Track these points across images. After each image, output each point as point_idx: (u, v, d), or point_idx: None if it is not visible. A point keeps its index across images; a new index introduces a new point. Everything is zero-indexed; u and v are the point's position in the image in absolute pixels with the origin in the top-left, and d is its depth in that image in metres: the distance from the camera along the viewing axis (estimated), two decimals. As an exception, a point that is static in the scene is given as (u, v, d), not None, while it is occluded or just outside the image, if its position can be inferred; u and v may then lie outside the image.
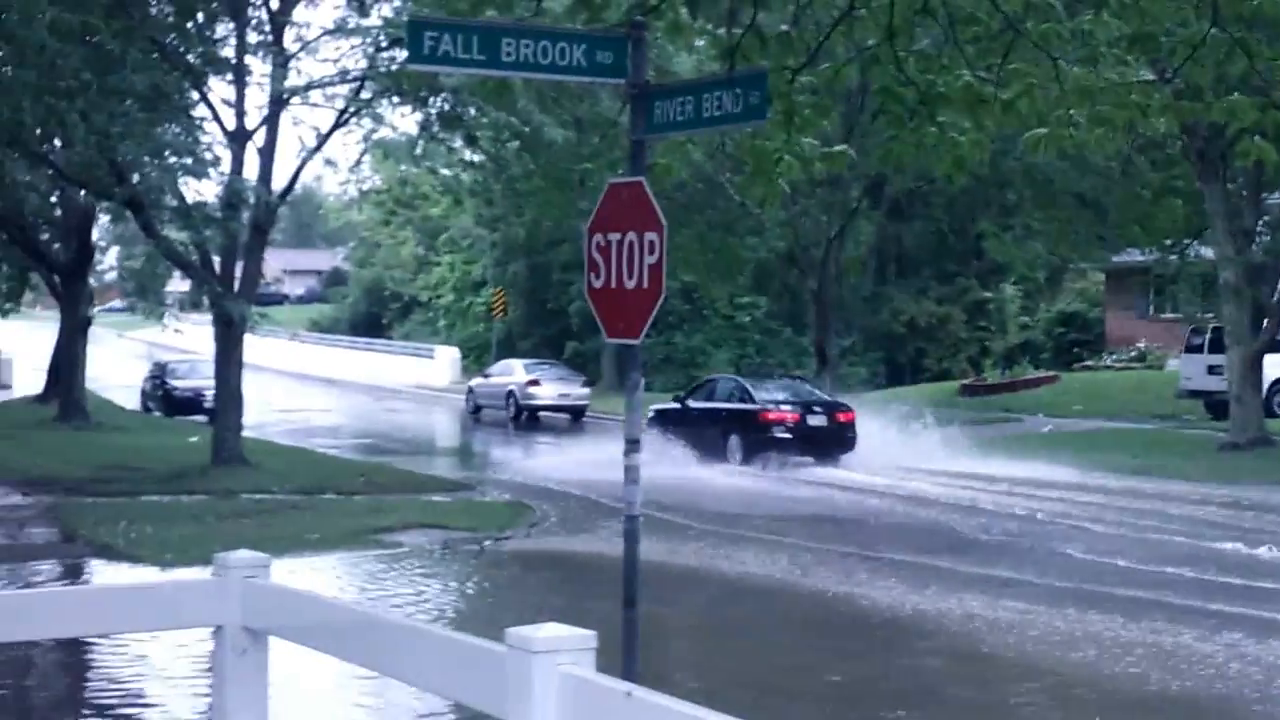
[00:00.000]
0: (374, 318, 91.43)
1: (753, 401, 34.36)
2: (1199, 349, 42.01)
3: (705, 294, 61.31)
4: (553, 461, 34.40)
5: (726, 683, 12.70)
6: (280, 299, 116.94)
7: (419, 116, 30.86)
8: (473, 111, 30.68)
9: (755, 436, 33.37)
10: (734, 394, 35.52)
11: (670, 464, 30.50)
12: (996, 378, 54.45)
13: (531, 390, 48.22)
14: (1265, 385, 36.05)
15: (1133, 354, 56.02)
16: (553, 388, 48.69)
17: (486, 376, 52.24)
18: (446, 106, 30.18)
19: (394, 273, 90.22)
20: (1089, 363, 57.37)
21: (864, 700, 12.26)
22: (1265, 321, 34.42)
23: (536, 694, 3.88)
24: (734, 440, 33.68)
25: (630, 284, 9.68)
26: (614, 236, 9.75)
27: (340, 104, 30.02)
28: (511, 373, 50.17)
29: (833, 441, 33.38)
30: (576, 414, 48.12)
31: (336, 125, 30.07)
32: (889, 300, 63.55)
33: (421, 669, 4.60)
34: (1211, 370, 39.78)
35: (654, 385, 59.46)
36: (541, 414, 48.18)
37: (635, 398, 10.07)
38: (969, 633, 14.70)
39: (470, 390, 52.41)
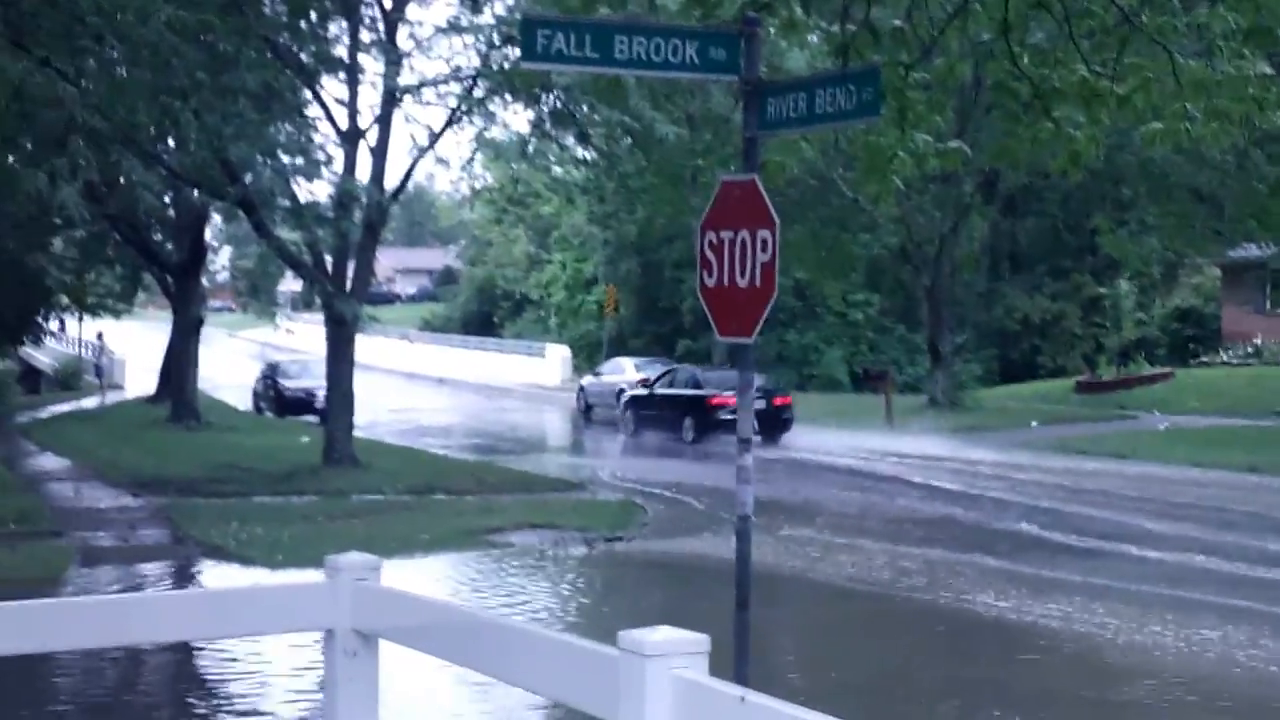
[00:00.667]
0: (485, 316, 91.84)
1: (701, 388, 39.57)
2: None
3: (818, 291, 61.10)
4: (664, 460, 34.34)
5: (834, 684, 12.63)
6: (392, 298, 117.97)
7: (531, 114, 30.97)
8: (585, 109, 30.74)
9: (704, 418, 38.60)
10: (689, 382, 40.88)
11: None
12: (1111, 374, 53.81)
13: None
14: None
15: (1249, 350, 55.18)
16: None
17: (597, 375, 52.23)
18: (559, 104, 30.25)
19: (505, 271, 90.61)
20: (1205, 359, 56.58)
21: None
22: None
23: (649, 698, 3.85)
24: (687, 421, 39.09)
25: (743, 282, 9.61)
26: (726, 234, 9.69)
27: (452, 102, 30.18)
28: (623, 371, 50.13)
29: (772, 423, 37.92)
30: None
31: (448, 124, 30.24)
32: (1002, 297, 63.03)
33: (532, 672, 4.58)
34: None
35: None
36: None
37: (748, 397, 10.01)
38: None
39: (581, 389, 52.39)
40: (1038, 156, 11.11)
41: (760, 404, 34.90)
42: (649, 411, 41.44)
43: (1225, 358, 55.59)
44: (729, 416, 34.19)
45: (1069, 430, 39.53)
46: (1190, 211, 41.59)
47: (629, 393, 43.77)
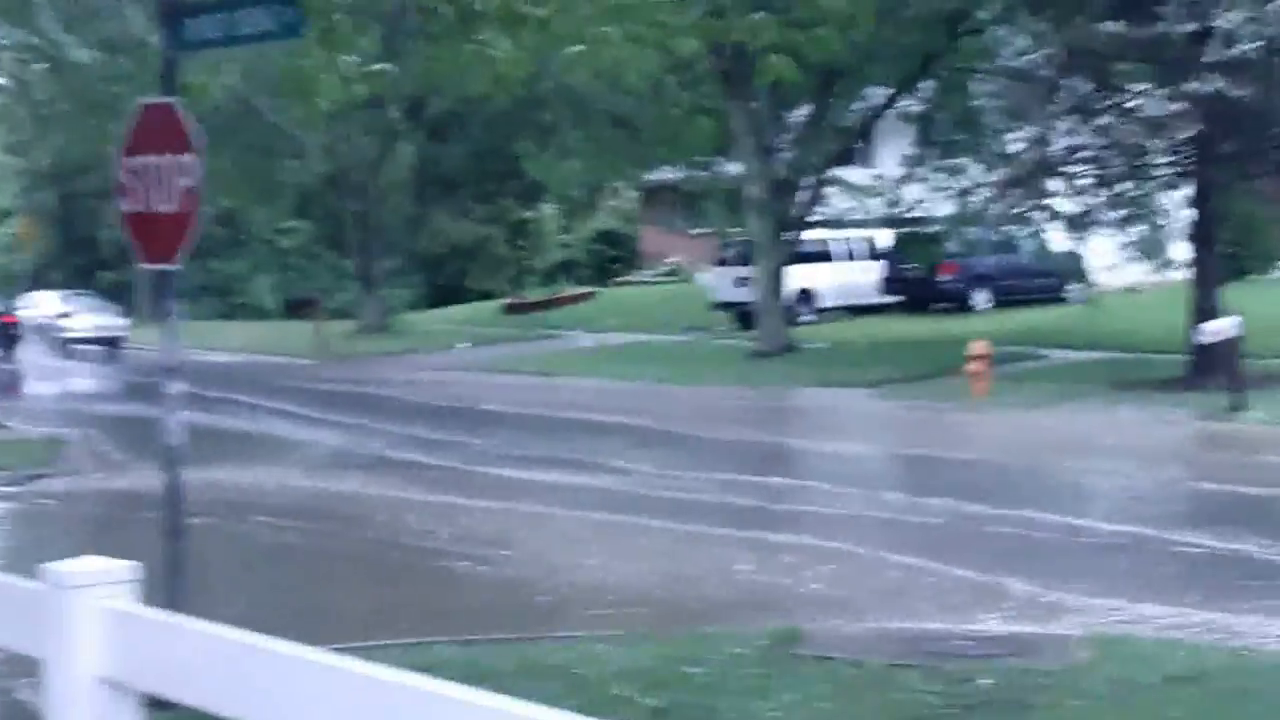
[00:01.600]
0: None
1: None
2: (728, 262, 43.54)
3: (245, 219, 60.14)
4: (88, 393, 33.33)
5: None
6: None
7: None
8: (-9, 33, 29.28)
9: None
10: None
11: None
12: (537, 296, 55.20)
13: (65, 322, 46.50)
14: (788, 295, 37.64)
15: (667, 269, 57.59)
16: (88, 319, 47.07)
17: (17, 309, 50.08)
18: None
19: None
20: (626, 278, 58.72)
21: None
22: (787, 234, 35.85)
23: (77, 630, 3.74)
24: None
25: (165, 208, 9.43)
26: (147, 159, 9.47)
27: None
28: (44, 305, 48.20)
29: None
30: (113, 344, 46.59)
31: None
32: (430, 222, 63.60)
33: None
34: (739, 282, 41.27)
35: (191, 313, 58.11)
36: (77, 346, 46.46)
37: (172, 324, 9.85)
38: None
39: (-1, 324, 50.15)
40: (463, 79, 11.27)
41: None
42: None
43: (645, 277, 57.85)
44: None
45: (497, 350, 40.45)
46: (610, 136, 42.92)
47: None
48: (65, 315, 46.64)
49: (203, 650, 3.62)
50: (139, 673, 3.76)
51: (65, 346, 46.08)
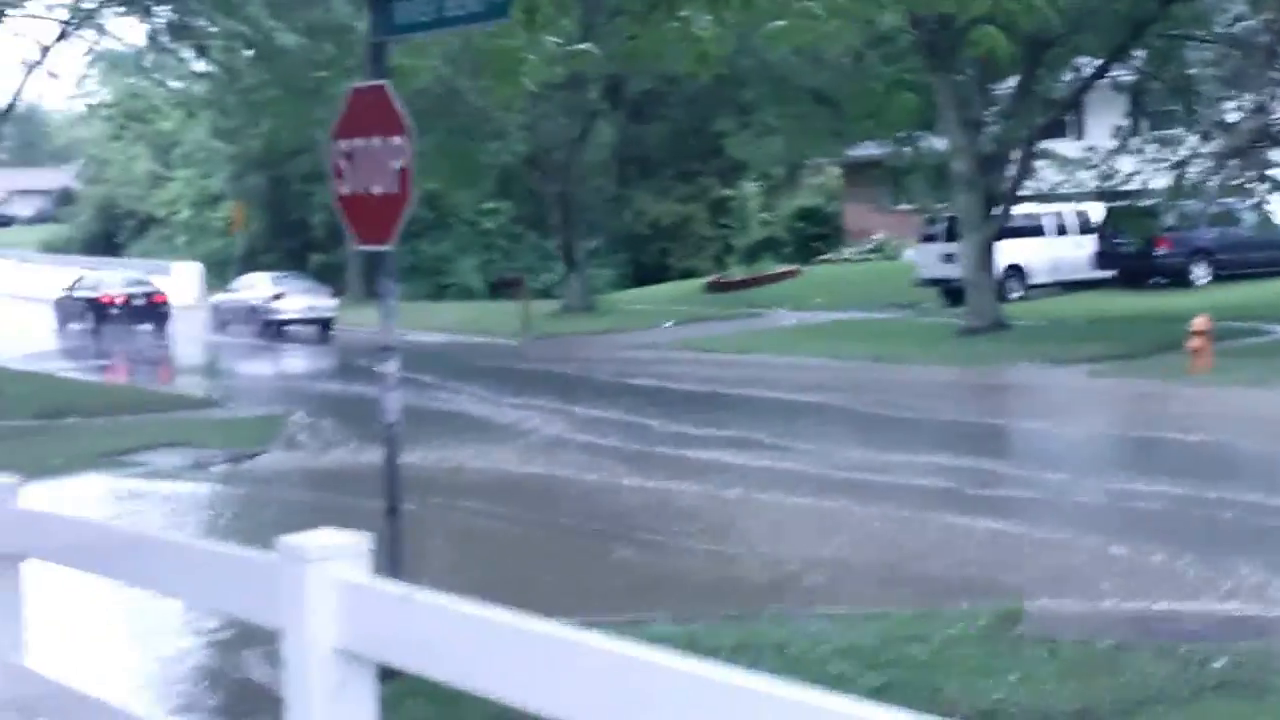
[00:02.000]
0: (108, 236, 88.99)
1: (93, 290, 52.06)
2: (934, 238, 43.02)
3: (449, 201, 60.85)
4: (302, 374, 33.98)
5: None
6: (7, 220, 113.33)
7: (146, 27, 29.97)
8: (201, 21, 29.88)
9: (100, 312, 50.76)
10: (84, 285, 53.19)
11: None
12: (740, 274, 55.08)
13: (277, 304, 47.38)
14: (998, 271, 37.07)
15: (871, 246, 57.12)
16: (299, 300, 47.89)
17: (230, 291, 51.27)
18: (174, 16, 29.34)
19: (128, 189, 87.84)
20: (829, 256, 58.35)
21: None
22: (995, 209, 35.30)
23: (312, 601, 3.77)
24: (88, 316, 51.16)
25: (379, 189, 9.52)
26: (359, 142, 9.56)
27: (63, 14, 29.00)
28: (256, 287, 49.23)
29: (151, 316, 51.28)
30: (325, 326, 47.44)
31: (59, 37, 29.08)
32: (632, 201, 63.80)
33: (191, 584, 4.48)
34: (947, 259, 40.76)
35: (400, 294, 58.84)
36: (289, 327, 47.41)
37: (389, 304, 9.94)
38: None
39: (214, 307, 51.38)
40: (665, 58, 11.20)
41: (141, 300, 51.83)
42: (71, 315, 52.68)
43: (848, 254, 57.43)
44: (116, 311, 50.94)
45: (702, 329, 40.45)
46: (811, 113, 42.61)
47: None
48: (277, 297, 47.53)
49: (439, 622, 3.62)
50: (375, 644, 3.78)
51: (277, 328, 47.01)
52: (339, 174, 9.77)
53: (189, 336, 50.55)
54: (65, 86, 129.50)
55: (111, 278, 54.55)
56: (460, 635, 3.58)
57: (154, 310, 51.63)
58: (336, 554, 3.83)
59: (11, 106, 30.23)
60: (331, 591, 3.78)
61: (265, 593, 3.94)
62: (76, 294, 53.22)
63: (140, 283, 53.47)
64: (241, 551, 4.27)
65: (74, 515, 5.25)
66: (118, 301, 51.37)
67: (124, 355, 42.02)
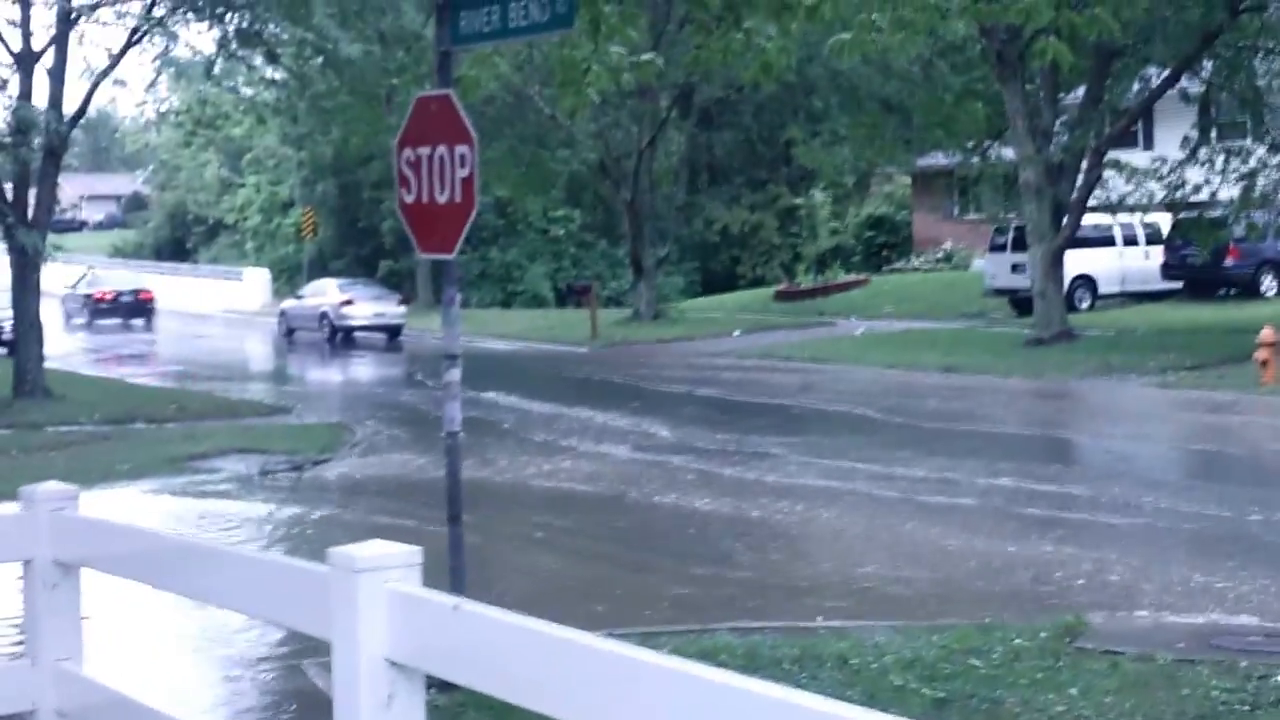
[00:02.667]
0: (178, 242, 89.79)
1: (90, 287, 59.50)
2: (1003, 248, 42.81)
3: (519, 208, 61.08)
4: (370, 381, 34.15)
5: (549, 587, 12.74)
6: (78, 225, 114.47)
7: (216, 34, 30.19)
8: (272, 28, 30.09)
9: (94, 307, 59.25)
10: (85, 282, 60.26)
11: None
12: (809, 282, 55.01)
13: (346, 310, 47.66)
14: (1066, 281, 36.86)
15: (940, 255, 56.91)
16: (368, 307, 48.16)
17: (299, 298, 51.56)
18: (244, 23, 29.55)
19: (197, 195, 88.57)
20: (898, 265, 58.18)
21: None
22: (1065, 218, 35.10)
23: (363, 612, 3.79)
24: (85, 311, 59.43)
25: (442, 198, 9.56)
26: (424, 151, 9.62)
27: (132, 22, 29.24)
28: (324, 293, 49.52)
29: (140, 311, 59.22)
30: (393, 333, 47.70)
31: (129, 44, 29.32)
32: (702, 209, 63.82)
33: (243, 594, 4.51)
34: (1015, 268, 40.56)
35: (470, 301, 59.21)
36: (357, 334, 47.70)
37: (452, 313, 9.99)
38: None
39: (283, 313, 51.68)
40: (731, 67, 11.23)
41: (129, 297, 59.36)
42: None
43: (917, 263, 57.24)
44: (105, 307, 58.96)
45: (771, 337, 40.40)
46: (880, 121, 42.52)
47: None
48: (346, 303, 47.81)
49: (488, 635, 3.63)
50: (425, 655, 3.80)
51: (346, 334, 47.31)
52: (404, 182, 9.83)
53: (257, 342, 50.99)
54: (135, 93, 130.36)
55: (110, 276, 63.02)
56: (509, 648, 3.59)
57: (141, 306, 60.02)
58: (387, 564, 3.85)
59: (82, 112, 30.47)
60: (382, 602, 3.80)
61: (316, 603, 3.96)
62: (78, 291, 60.74)
63: (131, 282, 62.33)
64: (293, 562, 4.30)
65: (128, 524, 5.30)
66: (108, 298, 59.56)
67: (118, 348, 46.62)
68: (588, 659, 3.38)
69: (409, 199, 9.80)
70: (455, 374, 9.89)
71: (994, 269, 43.78)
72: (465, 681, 3.83)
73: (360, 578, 3.80)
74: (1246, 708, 8.03)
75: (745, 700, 2.99)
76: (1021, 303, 39.78)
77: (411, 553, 3.90)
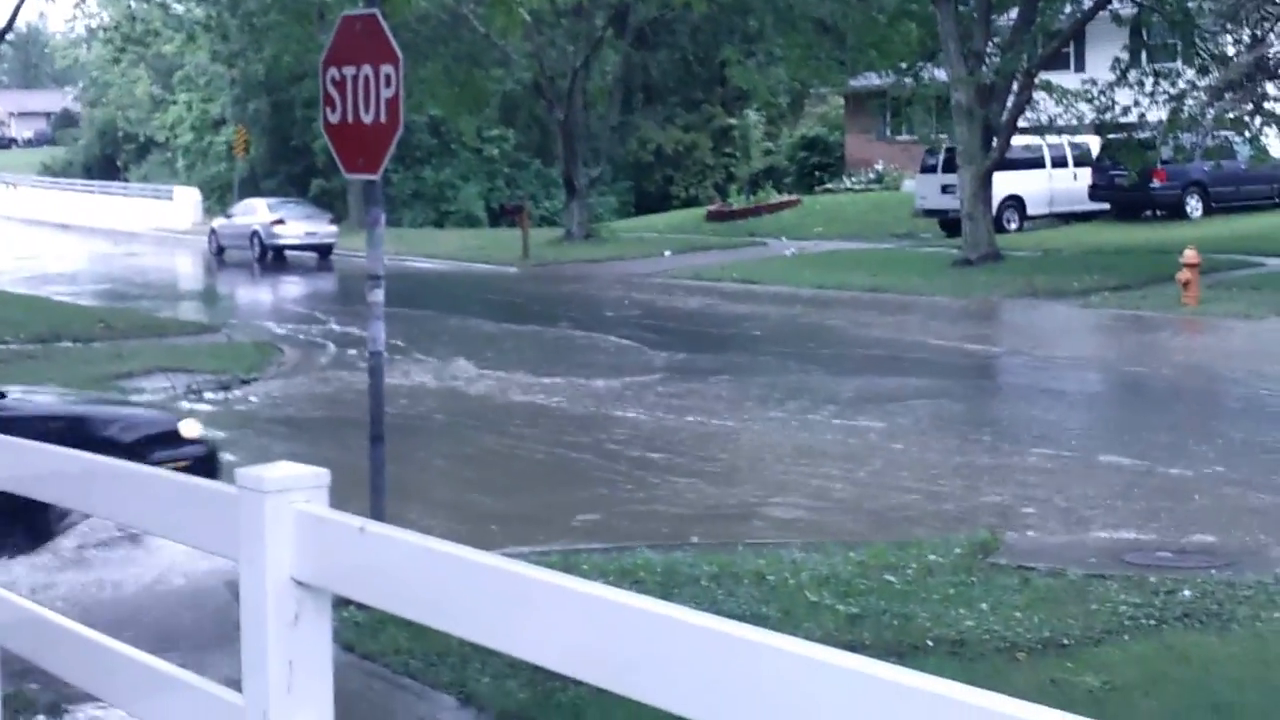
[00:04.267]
0: (109, 160, 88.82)
1: None
2: (933, 169, 42.93)
3: (453, 128, 60.70)
4: (300, 300, 34.03)
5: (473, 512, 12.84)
6: (7, 143, 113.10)
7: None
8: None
9: None
10: None
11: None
12: (741, 203, 55.01)
13: (277, 229, 47.30)
14: (995, 202, 37.06)
15: (871, 176, 57.01)
16: (299, 226, 47.80)
17: (229, 217, 51.12)
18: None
19: (128, 113, 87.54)
20: (830, 186, 58.24)
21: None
22: (995, 140, 35.25)
23: (269, 533, 3.81)
24: None
25: (368, 118, 9.56)
26: (349, 71, 9.59)
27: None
28: (255, 212, 49.11)
29: None
30: (324, 252, 47.42)
31: (58, -41, 28.99)
32: (636, 129, 63.60)
33: (151, 514, 4.55)
34: (945, 189, 40.71)
35: (403, 221, 58.91)
36: (288, 253, 47.41)
37: (376, 233, 10.00)
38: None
39: (213, 231, 51.22)
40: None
41: None
42: None
43: (849, 184, 57.33)
44: None
45: (702, 258, 40.45)
46: (814, 42, 42.47)
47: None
48: (277, 222, 47.47)
49: (394, 556, 3.67)
50: (331, 576, 3.83)
51: (277, 253, 47.03)
52: (329, 102, 9.82)
53: (187, 261, 50.65)
54: (64, 7, 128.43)
55: None
56: (413, 569, 3.62)
57: None
58: (295, 485, 3.88)
59: (9, 27, 30.07)
60: (289, 523, 3.83)
61: (224, 523, 4.00)
62: None
63: None
64: (201, 482, 4.33)
65: (33, 442, 5.30)
66: None
67: None
68: (489, 578, 3.42)
69: (334, 119, 9.79)
70: (379, 294, 9.93)
71: (924, 190, 43.94)
72: (371, 601, 3.90)
73: (267, 499, 3.82)
74: (1153, 622, 8.22)
75: (637, 618, 3.06)
76: (951, 224, 39.96)
77: (319, 474, 3.92)
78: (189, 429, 11.84)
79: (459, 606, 3.50)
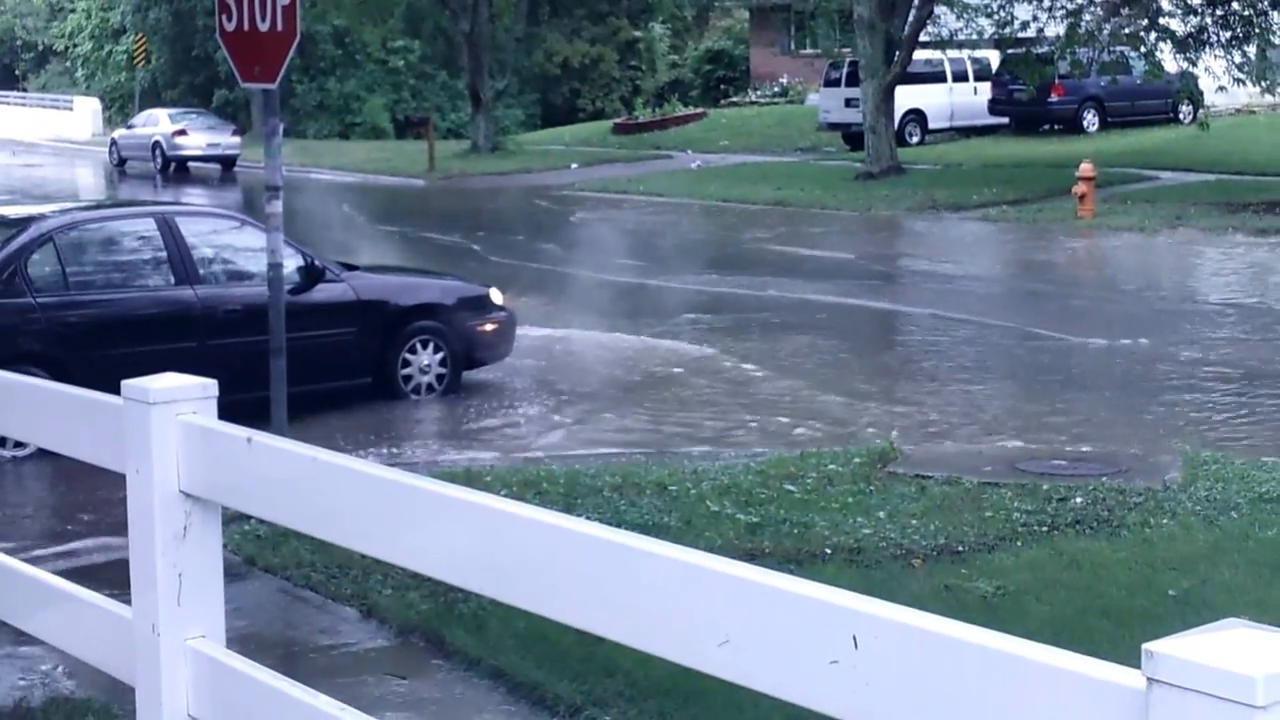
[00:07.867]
0: (7, 69, 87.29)
1: None
2: (836, 83, 43.00)
3: (357, 38, 59.99)
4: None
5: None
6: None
7: None
8: None
9: None
10: None
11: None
12: (647, 116, 54.87)
13: (179, 140, 46.76)
14: (897, 116, 37.19)
15: (776, 90, 56.99)
16: (201, 137, 47.27)
17: (130, 128, 50.48)
18: None
19: (25, 20, 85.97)
20: (735, 99, 58.18)
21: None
22: (897, 55, 35.30)
23: (156, 445, 3.80)
24: None
25: (264, 26, 9.47)
26: (245, -22, 9.49)
27: None
28: (157, 123, 48.49)
29: None
30: (227, 163, 46.93)
31: None
32: (542, 41, 63.12)
33: (36, 425, 4.52)
34: (848, 103, 40.78)
35: (306, 132, 58.34)
36: (191, 165, 46.86)
37: (274, 144, 9.93)
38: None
39: (114, 142, 50.58)
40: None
41: None
42: None
43: (754, 98, 57.28)
44: None
45: (608, 170, 40.38)
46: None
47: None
48: (180, 133, 46.89)
49: (281, 468, 3.68)
50: (219, 488, 3.83)
51: (179, 164, 46.47)
52: (224, 9, 9.72)
53: (88, 172, 49.97)
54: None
55: None
56: (301, 481, 3.62)
57: None
58: (182, 396, 3.86)
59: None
60: (175, 434, 3.81)
61: (111, 435, 3.98)
62: None
63: None
64: (86, 393, 4.29)
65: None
66: None
67: None
68: (376, 489, 3.43)
69: (229, 26, 9.71)
70: (277, 206, 9.87)
71: (828, 104, 44.01)
72: (260, 513, 3.89)
73: (154, 410, 3.80)
74: (1045, 528, 8.35)
75: (521, 526, 3.09)
76: (854, 137, 40.08)
77: (206, 385, 3.90)
78: (496, 296, 13.75)
79: (347, 518, 3.52)
